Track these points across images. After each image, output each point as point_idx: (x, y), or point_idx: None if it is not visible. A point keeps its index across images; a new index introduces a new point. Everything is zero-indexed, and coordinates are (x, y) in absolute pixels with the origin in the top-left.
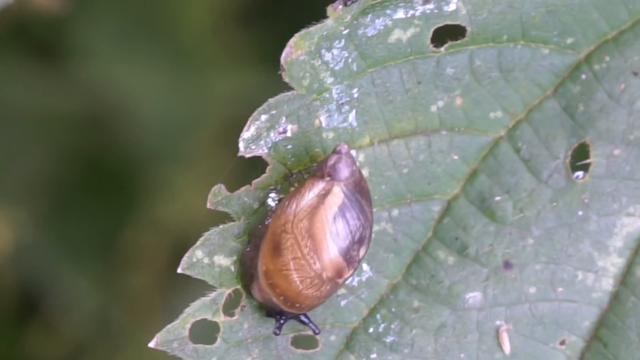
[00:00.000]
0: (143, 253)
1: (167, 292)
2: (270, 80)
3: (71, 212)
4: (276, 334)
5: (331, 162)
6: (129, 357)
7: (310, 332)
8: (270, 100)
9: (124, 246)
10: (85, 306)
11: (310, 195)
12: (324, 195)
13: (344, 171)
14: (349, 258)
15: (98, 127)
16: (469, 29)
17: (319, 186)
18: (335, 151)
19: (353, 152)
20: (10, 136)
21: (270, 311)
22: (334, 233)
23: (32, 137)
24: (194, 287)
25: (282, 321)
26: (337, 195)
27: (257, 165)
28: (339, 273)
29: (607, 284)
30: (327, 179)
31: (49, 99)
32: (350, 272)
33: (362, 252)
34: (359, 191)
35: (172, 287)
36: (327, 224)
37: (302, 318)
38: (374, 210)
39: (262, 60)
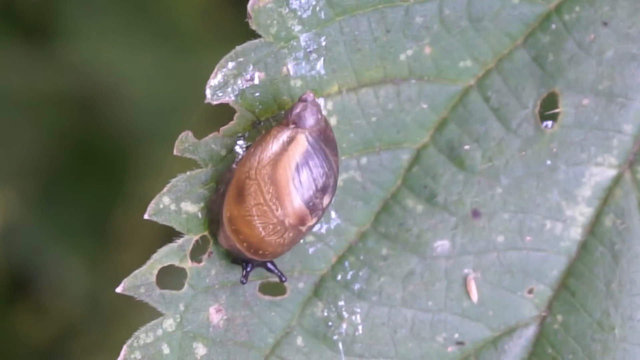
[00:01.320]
0: (133, 233)
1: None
2: None
3: (61, 193)
4: (243, 283)
5: (297, 110)
6: (120, 337)
7: (276, 279)
8: (238, 48)
9: (115, 226)
10: (76, 286)
11: (275, 142)
12: (288, 143)
13: (309, 119)
14: (312, 206)
15: (88, 107)
16: None
17: (284, 134)
18: (301, 99)
19: (321, 101)
20: (0, 117)
21: (236, 259)
22: (296, 180)
23: (22, 118)
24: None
25: (248, 269)
26: (301, 143)
27: (226, 113)
28: (301, 220)
29: (576, 233)
30: (292, 126)
31: (38, 79)
32: (314, 220)
33: (325, 200)
34: (324, 140)
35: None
36: (290, 171)
37: (269, 265)
38: (343, 158)
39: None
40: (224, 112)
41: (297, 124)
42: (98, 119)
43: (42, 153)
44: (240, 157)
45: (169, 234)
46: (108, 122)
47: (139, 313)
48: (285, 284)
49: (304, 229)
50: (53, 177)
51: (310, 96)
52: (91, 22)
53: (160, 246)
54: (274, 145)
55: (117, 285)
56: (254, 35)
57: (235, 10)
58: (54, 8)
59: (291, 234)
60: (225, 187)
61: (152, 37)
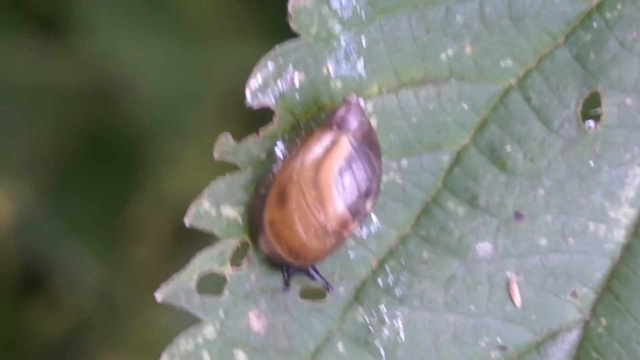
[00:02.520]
0: (147, 227)
1: (171, 266)
2: None
3: (75, 186)
4: (284, 290)
5: (340, 112)
6: (133, 332)
7: (317, 285)
8: (277, 48)
9: (128, 220)
10: (89, 281)
11: (317, 145)
12: (331, 146)
13: (353, 122)
14: (354, 210)
15: (102, 100)
16: None
17: (327, 136)
18: (344, 101)
19: (361, 101)
20: (14, 110)
21: (276, 264)
22: (339, 184)
23: (35, 111)
24: None
25: (286, 274)
26: (344, 146)
27: (265, 116)
28: (343, 225)
29: (619, 235)
30: (335, 129)
31: (52, 72)
32: (356, 224)
33: (368, 205)
34: (367, 143)
35: (176, 261)
36: (332, 175)
37: (311, 272)
38: (383, 159)
39: (265, 32)
40: (238, 107)
41: (341, 126)
42: (112, 111)
43: (55, 146)
44: (280, 159)
45: (180, 228)
46: (122, 115)
47: (152, 308)
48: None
49: (345, 233)
50: (66, 170)
51: (354, 98)
52: (104, 15)
53: (173, 241)
54: (316, 148)
55: (130, 279)
56: (269, 29)
57: (249, 3)
58: (67, 1)
59: (333, 239)
60: (265, 191)
61: (165, 30)
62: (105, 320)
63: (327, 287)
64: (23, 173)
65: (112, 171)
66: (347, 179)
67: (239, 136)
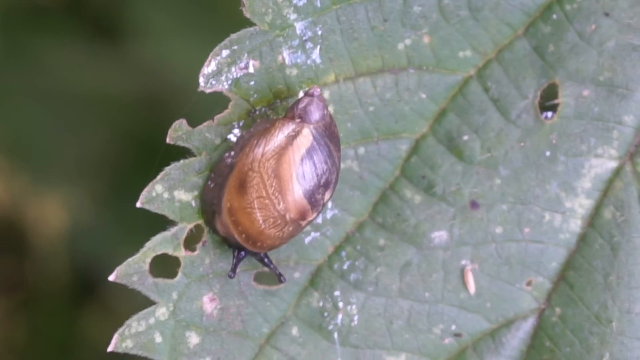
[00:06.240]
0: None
1: None
2: None
3: (128, 193)
4: (230, 277)
5: (303, 104)
6: None
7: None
8: (232, 36)
9: None
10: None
11: (279, 135)
12: (293, 137)
13: (315, 114)
14: (314, 201)
15: (155, 106)
16: None
17: (289, 127)
18: (307, 93)
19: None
20: (68, 116)
21: (231, 245)
22: (300, 175)
23: (89, 117)
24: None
25: (236, 258)
26: (306, 137)
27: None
28: (302, 215)
29: (575, 225)
30: (298, 120)
31: (106, 78)
32: (314, 215)
33: (327, 196)
34: (329, 135)
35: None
36: (294, 165)
37: (264, 259)
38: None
39: None
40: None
41: (303, 118)
42: (166, 118)
43: (110, 153)
44: (235, 145)
45: None
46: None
47: None
48: (281, 273)
49: (303, 223)
50: (120, 177)
51: (317, 91)
52: (159, 21)
53: None
54: (278, 139)
55: None
56: (250, 23)
57: None
58: (123, 6)
59: (291, 228)
60: (222, 177)
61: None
62: None
63: (280, 277)
64: (78, 180)
65: None
66: (308, 170)
67: (202, 104)
